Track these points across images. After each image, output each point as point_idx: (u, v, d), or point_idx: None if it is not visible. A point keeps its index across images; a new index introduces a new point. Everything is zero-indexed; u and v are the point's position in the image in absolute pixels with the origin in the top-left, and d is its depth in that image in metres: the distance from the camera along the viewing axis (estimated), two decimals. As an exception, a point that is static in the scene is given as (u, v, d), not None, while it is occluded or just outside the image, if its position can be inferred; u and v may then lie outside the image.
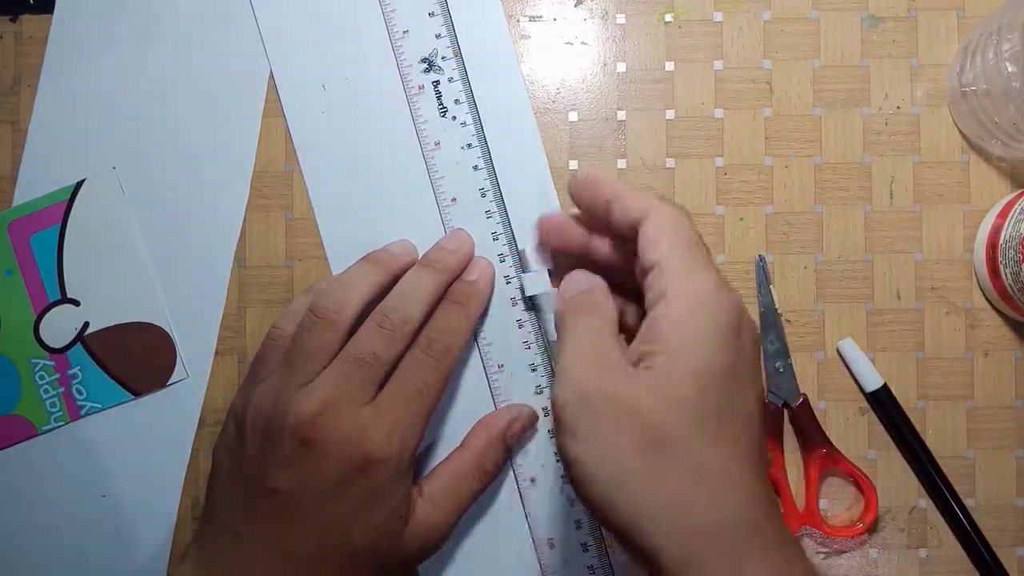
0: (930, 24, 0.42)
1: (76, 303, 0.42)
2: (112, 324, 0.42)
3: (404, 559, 0.37)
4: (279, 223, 0.43)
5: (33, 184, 0.42)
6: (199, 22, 0.42)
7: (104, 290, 0.42)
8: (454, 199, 0.41)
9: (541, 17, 0.42)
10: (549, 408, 0.41)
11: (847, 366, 0.41)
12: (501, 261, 0.41)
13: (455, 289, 0.39)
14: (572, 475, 0.30)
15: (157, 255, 0.42)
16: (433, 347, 0.37)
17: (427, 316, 0.38)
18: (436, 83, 0.41)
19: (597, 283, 0.34)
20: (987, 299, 0.41)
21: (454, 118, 0.41)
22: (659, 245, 0.31)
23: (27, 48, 0.43)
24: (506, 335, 0.41)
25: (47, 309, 0.42)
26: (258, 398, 0.36)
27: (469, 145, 0.41)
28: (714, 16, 0.42)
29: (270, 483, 0.35)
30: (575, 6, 0.42)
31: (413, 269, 0.39)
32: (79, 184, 0.42)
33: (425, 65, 0.41)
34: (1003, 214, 0.40)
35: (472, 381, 0.41)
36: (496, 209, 0.41)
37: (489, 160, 0.41)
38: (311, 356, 0.36)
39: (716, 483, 0.29)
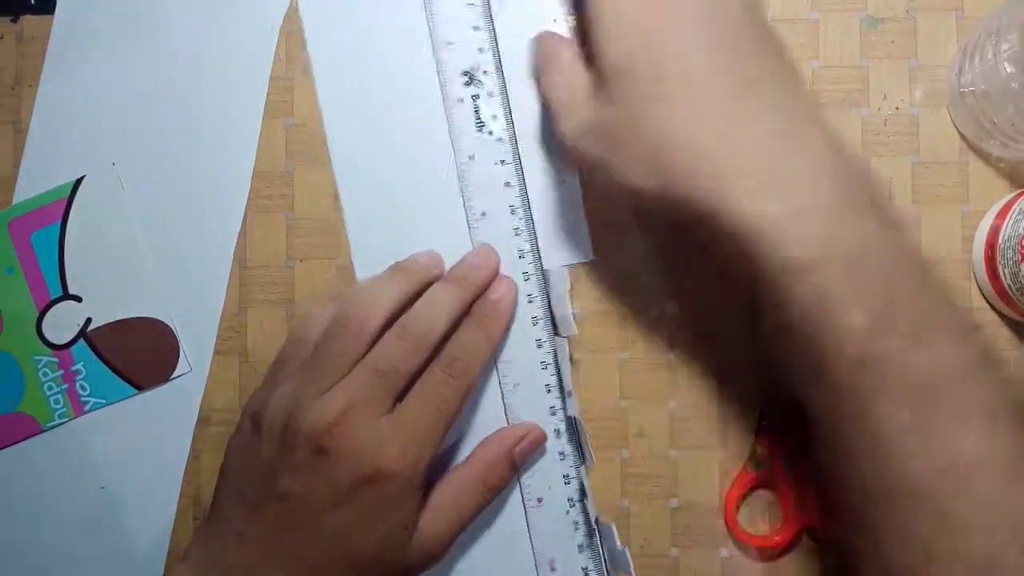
0: (929, 25, 0.42)
1: (78, 299, 0.42)
2: (114, 319, 0.42)
3: (406, 569, 0.37)
4: (279, 223, 0.43)
5: (33, 184, 0.42)
6: (200, 22, 0.43)
7: (106, 286, 0.42)
8: (483, 214, 0.41)
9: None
10: (561, 428, 0.41)
11: (846, 366, 0.41)
12: (525, 280, 0.41)
13: (478, 308, 0.39)
14: (628, 191, 0.32)
15: (158, 251, 0.42)
16: (454, 366, 0.37)
17: (449, 331, 0.38)
18: (475, 97, 0.41)
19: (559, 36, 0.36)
20: (986, 299, 0.41)
21: (490, 133, 0.41)
22: None
23: (28, 48, 0.43)
24: (524, 354, 0.41)
25: (49, 306, 0.42)
26: (276, 402, 0.36)
27: (503, 161, 0.41)
28: (713, 17, 0.42)
29: (280, 487, 0.35)
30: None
31: (438, 283, 0.39)
32: (79, 181, 0.42)
33: (466, 78, 0.41)
34: (1002, 214, 0.40)
35: (486, 398, 0.41)
36: (524, 228, 0.41)
37: (522, 178, 0.41)
38: (333, 364, 0.36)
39: (716, 126, 0.31)
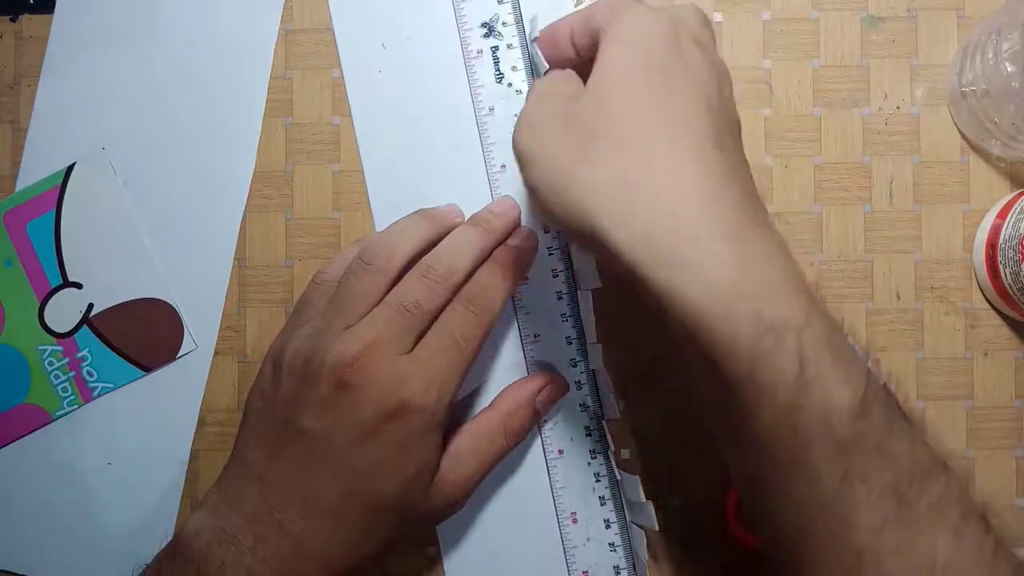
0: (930, 24, 0.42)
1: (79, 286, 0.42)
2: (116, 303, 0.42)
3: (426, 514, 0.37)
4: (279, 223, 0.43)
5: (33, 183, 0.42)
6: (200, 22, 0.43)
7: (105, 271, 0.42)
8: (503, 166, 0.41)
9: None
10: (582, 380, 0.41)
11: (847, 366, 0.41)
12: (545, 231, 0.41)
13: (500, 252, 0.39)
14: (539, 203, 0.32)
15: (159, 244, 0.42)
16: (475, 302, 0.37)
17: (471, 273, 0.38)
18: (495, 48, 0.41)
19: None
20: (986, 299, 0.41)
21: (510, 85, 0.41)
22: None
23: (27, 48, 0.43)
24: (544, 306, 0.41)
25: (50, 295, 0.42)
26: (298, 339, 0.36)
27: None
28: (714, 16, 0.42)
29: (301, 424, 0.34)
30: (575, 5, 0.42)
31: (461, 226, 0.39)
32: (70, 168, 0.42)
33: (485, 30, 0.41)
34: (1002, 214, 0.40)
35: (507, 348, 0.41)
36: None
37: None
38: (356, 301, 0.36)
39: (656, 163, 0.30)
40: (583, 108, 0.31)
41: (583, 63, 0.35)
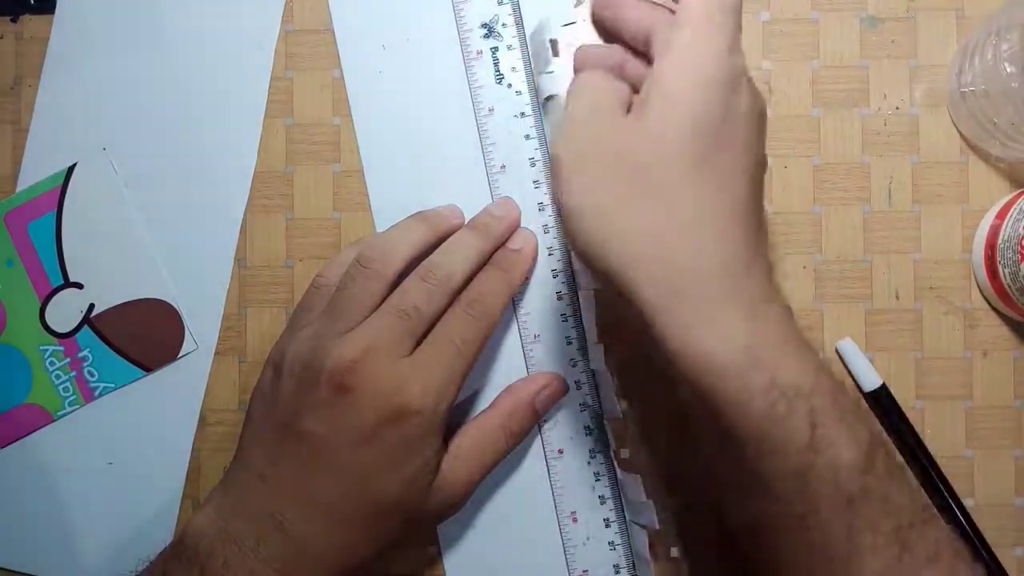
0: (929, 25, 0.42)
1: (79, 286, 0.42)
2: (117, 303, 0.42)
3: (427, 515, 0.37)
4: (279, 223, 0.43)
5: (34, 183, 0.43)
6: (200, 22, 0.43)
7: (106, 271, 0.42)
8: (503, 167, 0.41)
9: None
10: (581, 380, 0.41)
11: (846, 366, 0.41)
12: (545, 232, 0.41)
13: (499, 256, 0.39)
14: (566, 226, 0.31)
15: (160, 243, 0.42)
16: (474, 307, 0.37)
17: (470, 277, 0.38)
18: (494, 49, 0.42)
19: (616, 49, 0.35)
20: (985, 299, 0.41)
21: (509, 86, 0.42)
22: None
23: (28, 48, 0.43)
24: (544, 306, 0.41)
25: (51, 295, 0.42)
26: (298, 344, 0.36)
27: (522, 114, 0.41)
28: (713, 17, 0.42)
29: (302, 426, 0.34)
30: (575, 6, 0.42)
31: (460, 230, 0.39)
32: (71, 168, 0.42)
33: (485, 31, 0.42)
34: (1001, 214, 0.40)
35: (507, 349, 0.41)
36: (544, 180, 0.41)
37: (541, 130, 0.41)
38: (354, 305, 0.36)
39: (694, 228, 0.30)
40: (636, 141, 0.31)
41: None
